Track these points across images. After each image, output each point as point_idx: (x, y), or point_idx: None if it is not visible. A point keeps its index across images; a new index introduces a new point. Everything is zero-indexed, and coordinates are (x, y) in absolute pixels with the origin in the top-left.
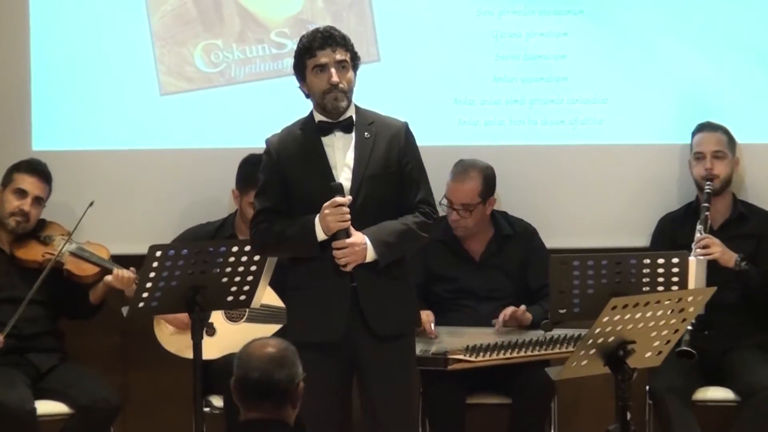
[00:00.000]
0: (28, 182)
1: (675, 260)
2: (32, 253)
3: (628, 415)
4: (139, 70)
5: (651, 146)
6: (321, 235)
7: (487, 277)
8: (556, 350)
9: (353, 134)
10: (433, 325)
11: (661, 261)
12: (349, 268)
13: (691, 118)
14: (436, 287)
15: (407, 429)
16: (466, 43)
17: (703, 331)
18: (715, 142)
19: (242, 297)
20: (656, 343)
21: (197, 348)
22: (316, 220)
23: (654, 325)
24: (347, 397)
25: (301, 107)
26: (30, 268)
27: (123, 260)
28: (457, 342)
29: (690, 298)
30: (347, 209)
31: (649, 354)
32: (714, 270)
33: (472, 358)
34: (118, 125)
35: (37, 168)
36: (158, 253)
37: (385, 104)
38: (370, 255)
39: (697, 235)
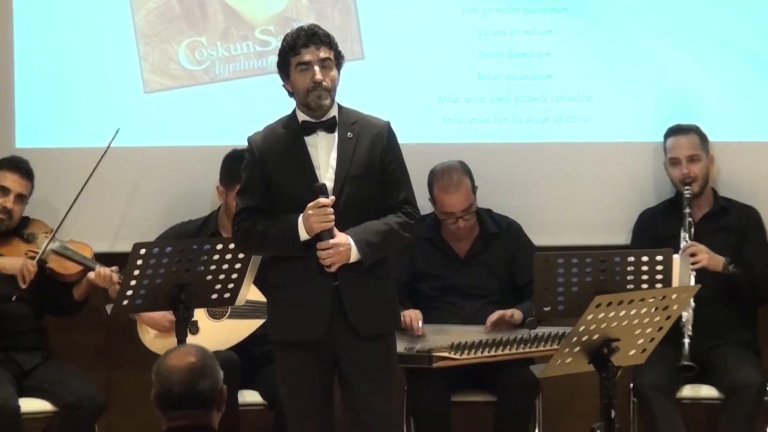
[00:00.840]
0: (10, 179)
1: (659, 258)
2: (15, 250)
3: (613, 413)
4: (123, 67)
5: (635, 144)
6: (304, 235)
7: (472, 275)
8: (541, 348)
9: (336, 134)
10: (420, 323)
11: (645, 259)
12: (333, 269)
13: (674, 116)
14: (421, 285)
15: (388, 428)
16: (450, 40)
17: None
18: (689, 146)
19: (227, 294)
20: (640, 341)
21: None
22: (300, 220)
23: (638, 323)
24: (329, 396)
25: (285, 105)
26: None
27: (106, 258)
28: (441, 340)
29: (674, 296)
30: (331, 210)
31: (633, 352)
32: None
33: (457, 356)
34: (102, 123)
35: (19, 165)
36: (142, 251)
37: (370, 102)
38: (354, 255)
39: (683, 243)
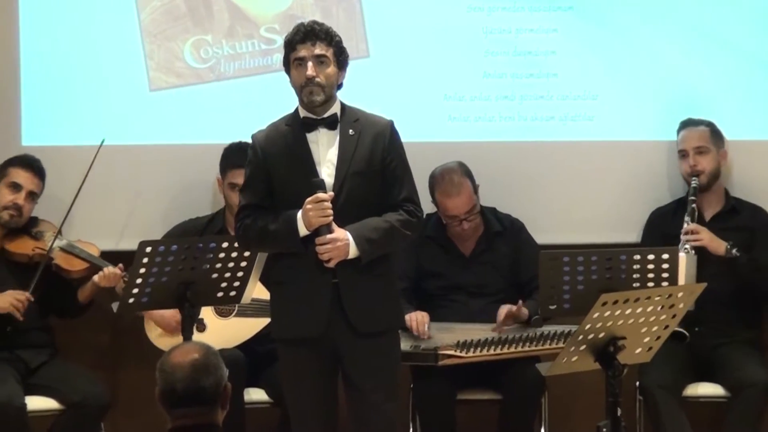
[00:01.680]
0: (22, 177)
1: (665, 256)
2: (23, 246)
3: (619, 411)
4: (129, 65)
5: (641, 142)
6: (303, 231)
7: (477, 273)
8: (547, 346)
9: (338, 131)
10: (427, 326)
11: (651, 257)
12: (331, 264)
13: (680, 114)
14: (426, 284)
15: (391, 426)
16: (455, 39)
17: (694, 328)
18: (697, 138)
19: (232, 293)
20: (646, 339)
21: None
22: (299, 215)
23: (644, 321)
24: (331, 392)
25: (290, 103)
26: (20, 262)
27: (112, 256)
28: (447, 337)
29: (680, 294)
30: (329, 205)
31: (639, 350)
32: (704, 264)
33: (463, 354)
34: (107, 121)
35: (32, 163)
36: (148, 249)
37: (375, 100)
38: (353, 251)
39: (685, 225)
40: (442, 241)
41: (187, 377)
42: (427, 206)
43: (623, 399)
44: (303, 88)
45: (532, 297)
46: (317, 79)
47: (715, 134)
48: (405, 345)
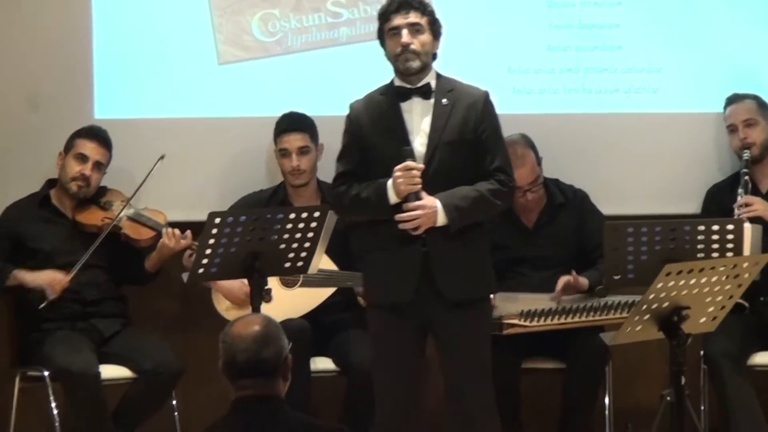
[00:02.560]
0: (88, 147)
1: (729, 227)
2: (92, 217)
3: (683, 380)
4: (198, 39)
5: (704, 114)
6: (393, 199)
7: (540, 246)
8: (611, 316)
9: (431, 100)
10: (492, 296)
11: (715, 227)
12: (419, 231)
13: (742, 86)
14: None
15: (481, 394)
16: (520, 12)
17: (759, 297)
18: (744, 111)
19: (299, 263)
20: (711, 309)
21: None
22: (389, 183)
23: (708, 291)
24: (416, 359)
25: (357, 77)
26: (90, 233)
27: (180, 226)
28: (511, 307)
29: (745, 265)
30: (418, 173)
31: (703, 319)
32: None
33: (527, 323)
34: (177, 94)
35: (98, 134)
36: (217, 220)
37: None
38: (441, 219)
39: (739, 198)
40: (506, 213)
41: (248, 348)
42: None
43: (687, 368)
44: (398, 56)
45: (595, 266)
46: (412, 46)
47: (762, 106)
48: None
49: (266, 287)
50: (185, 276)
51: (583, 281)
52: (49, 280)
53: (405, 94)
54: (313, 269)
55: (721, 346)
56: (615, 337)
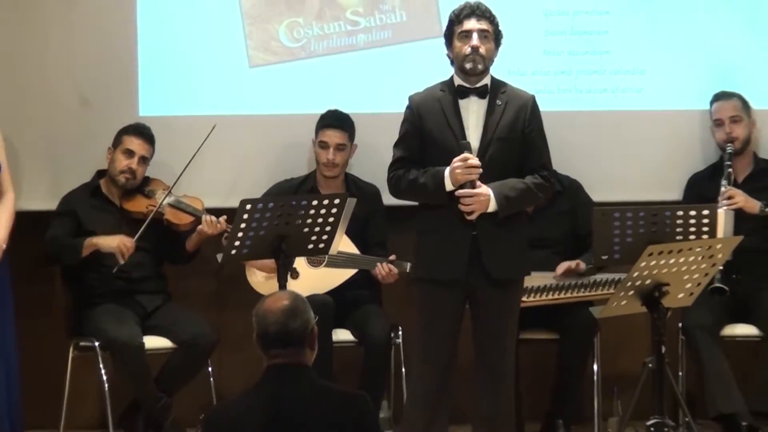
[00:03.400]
0: (135, 143)
1: (705, 212)
2: (138, 205)
3: (663, 349)
4: (231, 45)
5: (684, 111)
6: (449, 186)
7: (539, 228)
8: (599, 292)
9: (486, 100)
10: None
11: (693, 213)
12: (473, 216)
13: (719, 86)
14: None
15: (509, 360)
16: (518, 20)
17: (732, 275)
18: (731, 108)
19: (321, 245)
20: (688, 285)
21: (283, 290)
22: (446, 171)
23: (686, 270)
24: (456, 331)
25: (374, 79)
26: (136, 219)
27: (216, 212)
28: None
29: (719, 246)
30: (474, 164)
31: (681, 295)
32: (741, 219)
33: (525, 299)
34: (212, 94)
35: (143, 131)
36: (248, 206)
37: (449, 76)
38: (492, 206)
39: (722, 189)
40: None
41: (278, 321)
42: None
43: (667, 338)
44: (466, 56)
45: (588, 250)
46: (480, 50)
47: (745, 105)
48: None
49: (293, 266)
50: (220, 257)
51: (582, 267)
52: (120, 242)
53: (464, 93)
54: (333, 250)
55: (697, 319)
56: (603, 311)
